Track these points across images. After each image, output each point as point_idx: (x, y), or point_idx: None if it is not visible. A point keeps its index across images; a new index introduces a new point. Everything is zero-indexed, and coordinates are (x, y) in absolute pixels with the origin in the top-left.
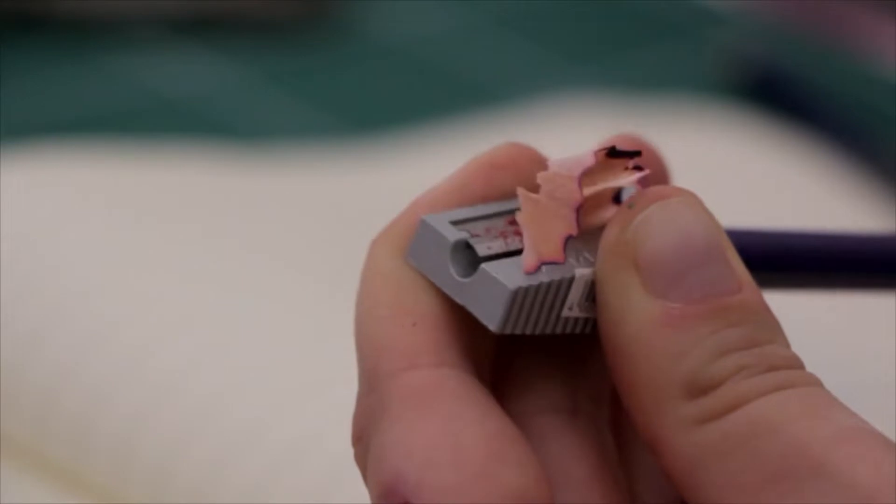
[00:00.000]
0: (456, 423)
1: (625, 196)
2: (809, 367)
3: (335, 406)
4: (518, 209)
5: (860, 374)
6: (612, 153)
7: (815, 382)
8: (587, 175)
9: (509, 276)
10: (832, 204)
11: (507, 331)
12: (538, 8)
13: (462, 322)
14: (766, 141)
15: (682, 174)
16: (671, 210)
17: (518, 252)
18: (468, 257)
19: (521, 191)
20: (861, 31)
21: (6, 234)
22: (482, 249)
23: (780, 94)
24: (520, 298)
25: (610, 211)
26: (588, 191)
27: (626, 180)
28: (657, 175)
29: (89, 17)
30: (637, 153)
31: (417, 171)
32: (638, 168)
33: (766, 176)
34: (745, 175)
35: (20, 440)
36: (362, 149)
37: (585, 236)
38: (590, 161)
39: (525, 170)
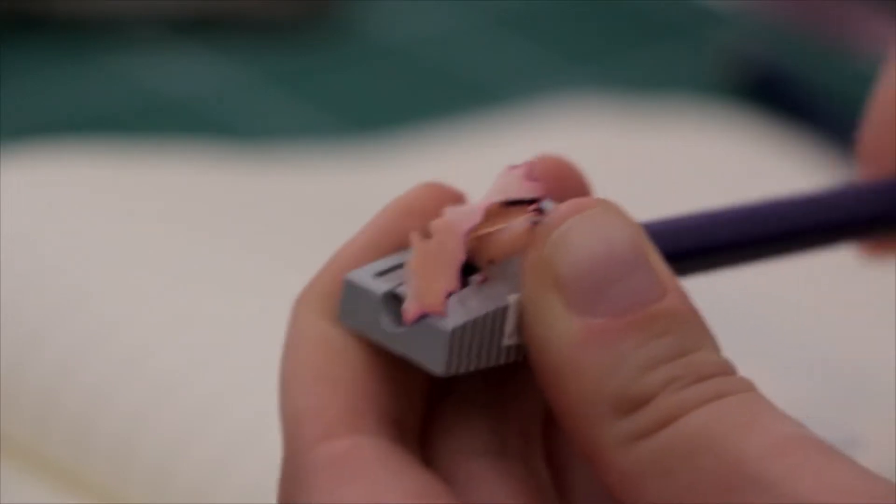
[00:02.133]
0: (375, 488)
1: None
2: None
3: None
4: None
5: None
6: (509, 203)
7: (747, 388)
8: (487, 217)
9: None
10: None
11: (452, 372)
12: (538, 8)
13: (387, 379)
14: (766, 141)
15: (683, 174)
16: (588, 221)
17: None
18: (398, 307)
19: (414, 236)
20: (861, 31)
21: (6, 234)
22: None
23: (780, 94)
24: (458, 337)
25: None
26: (488, 228)
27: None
28: (580, 193)
29: (89, 17)
30: (535, 200)
31: (417, 171)
32: (538, 211)
33: (766, 176)
34: (745, 175)
35: (20, 440)
36: (362, 149)
37: (514, 260)
38: (477, 218)
39: (439, 213)
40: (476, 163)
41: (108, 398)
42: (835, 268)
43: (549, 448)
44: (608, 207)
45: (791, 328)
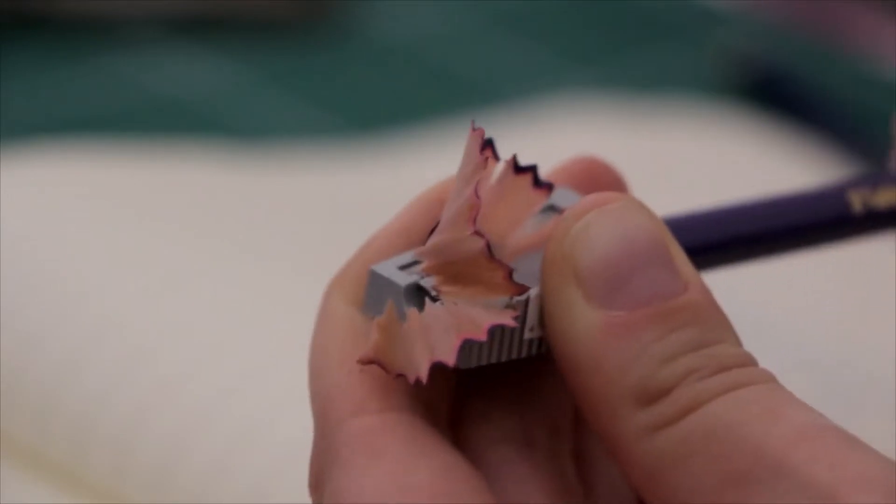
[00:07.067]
0: (402, 465)
1: (561, 204)
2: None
3: None
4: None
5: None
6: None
7: (768, 379)
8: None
9: None
10: None
11: (472, 364)
12: (538, 8)
13: None
14: (766, 141)
15: (683, 174)
16: (608, 215)
17: None
18: (422, 298)
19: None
20: (861, 31)
21: (6, 234)
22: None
23: (780, 94)
24: None
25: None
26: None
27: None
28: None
29: (89, 17)
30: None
31: (417, 171)
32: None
33: (766, 176)
34: (745, 175)
35: (20, 440)
36: (362, 148)
37: (533, 255)
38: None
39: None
40: None
41: (108, 398)
42: (832, 268)
43: (578, 445)
44: (629, 202)
45: (787, 329)
